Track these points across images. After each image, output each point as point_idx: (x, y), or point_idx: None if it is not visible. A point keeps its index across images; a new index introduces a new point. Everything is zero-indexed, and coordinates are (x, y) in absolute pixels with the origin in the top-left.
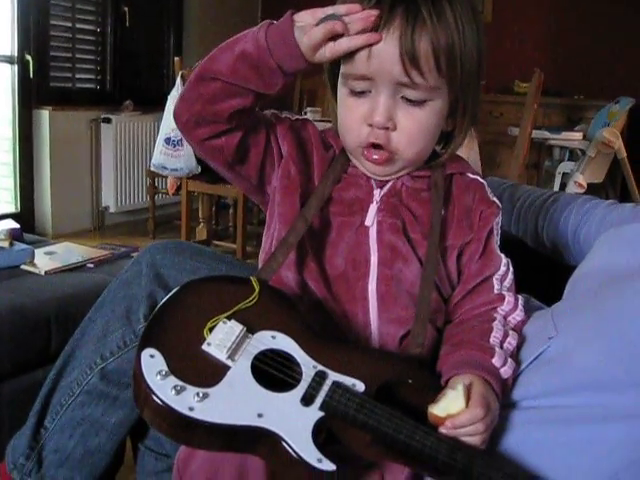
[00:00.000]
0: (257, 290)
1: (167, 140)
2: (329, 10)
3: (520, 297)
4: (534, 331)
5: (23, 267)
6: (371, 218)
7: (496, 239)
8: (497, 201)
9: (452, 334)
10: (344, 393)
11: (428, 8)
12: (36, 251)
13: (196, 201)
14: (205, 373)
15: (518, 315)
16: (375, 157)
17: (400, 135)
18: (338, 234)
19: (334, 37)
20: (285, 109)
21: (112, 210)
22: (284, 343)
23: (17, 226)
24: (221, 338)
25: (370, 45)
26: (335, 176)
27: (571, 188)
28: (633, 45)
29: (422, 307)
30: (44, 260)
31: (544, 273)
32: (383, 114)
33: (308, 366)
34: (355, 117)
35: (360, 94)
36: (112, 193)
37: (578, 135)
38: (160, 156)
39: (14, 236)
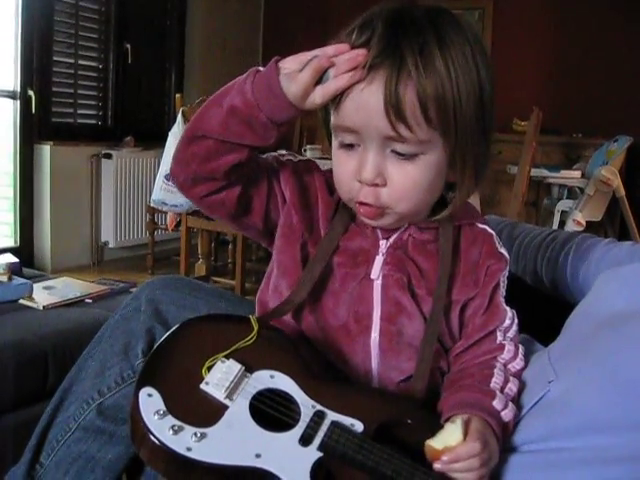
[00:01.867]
0: (256, 329)
1: (167, 176)
2: (315, 52)
3: (521, 347)
4: (533, 375)
5: (21, 301)
6: (377, 271)
7: (502, 292)
8: (505, 253)
9: (452, 380)
10: (343, 433)
11: (414, 57)
12: (35, 286)
13: (195, 237)
14: (203, 413)
15: (518, 364)
16: (365, 211)
17: (390, 191)
18: (342, 285)
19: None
20: (285, 147)
21: (111, 245)
22: (283, 382)
23: (16, 260)
24: (219, 377)
25: (354, 86)
26: (342, 225)
27: (570, 226)
28: (631, 84)
29: (423, 362)
30: (42, 295)
31: (544, 311)
32: (371, 171)
33: (307, 406)
34: (345, 172)
35: (350, 147)
36: (112, 228)
37: (577, 173)
38: (160, 192)
39: (13, 270)
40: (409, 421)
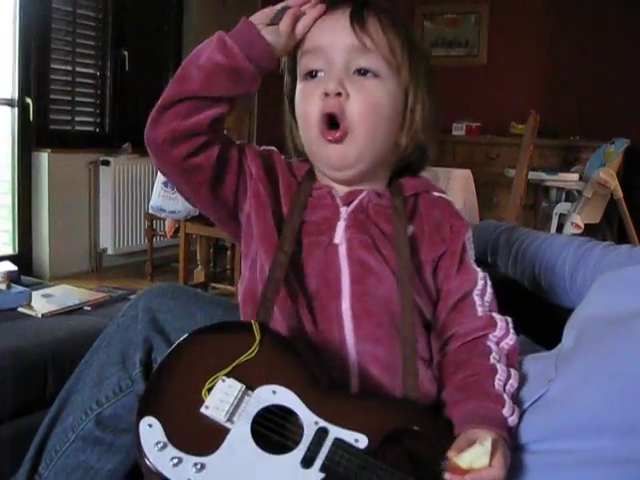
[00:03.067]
0: (257, 340)
1: (165, 183)
2: (278, 6)
3: (509, 319)
4: (535, 373)
5: (20, 310)
6: (340, 236)
7: (470, 254)
8: (464, 217)
9: (451, 372)
10: (344, 453)
11: (376, 7)
12: (33, 293)
13: (194, 243)
14: (204, 439)
15: (510, 339)
16: (331, 137)
17: (353, 104)
18: (308, 254)
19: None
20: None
21: (110, 252)
22: (285, 398)
23: (14, 268)
24: (219, 400)
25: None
26: (302, 201)
27: (568, 229)
28: (628, 86)
29: (406, 329)
30: (41, 303)
31: (541, 315)
32: (335, 80)
33: (309, 422)
34: (312, 97)
35: (315, 76)
36: (110, 235)
37: (574, 176)
38: (158, 199)
39: (11, 278)
40: (416, 428)
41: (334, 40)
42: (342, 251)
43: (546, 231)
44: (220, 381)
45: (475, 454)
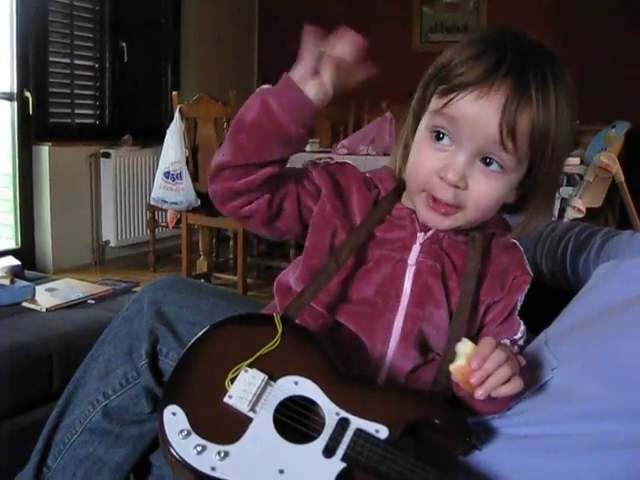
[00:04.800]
0: (280, 331)
1: (166, 174)
2: (319, 50)
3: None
4: (531, 360)
5: (24, 304)
6: (414, 257)
7: (519, 306)
8: (530, 271)
9: None
10: (365, 443)
11: (537, 86)
12: (37, 288)
13: (196, 234)
14: (227, 428)
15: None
16: (436, 207)
17: (468, 196)
18: (376, 266)
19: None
20: None
21: (112, 244)
22: (307, 389)
23: (18, 263)
24: (242, 390)
25: (477, 87)
26: (377, 218)
27: (570, 213)
28: (629, 69)
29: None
30: (45, 297)
31: (542, 300)
32: (459, 173)
33: (330, 413)
34: (428, 164)
35: (439, 139)
36: (112, 227)
37: (575, 160)
38: (160, 190)
39: (15, 273)
40: (436, 421)
41: (477, 127)
42: (410, 271)
43: None
44: (243, 371)
45: (459, 350)
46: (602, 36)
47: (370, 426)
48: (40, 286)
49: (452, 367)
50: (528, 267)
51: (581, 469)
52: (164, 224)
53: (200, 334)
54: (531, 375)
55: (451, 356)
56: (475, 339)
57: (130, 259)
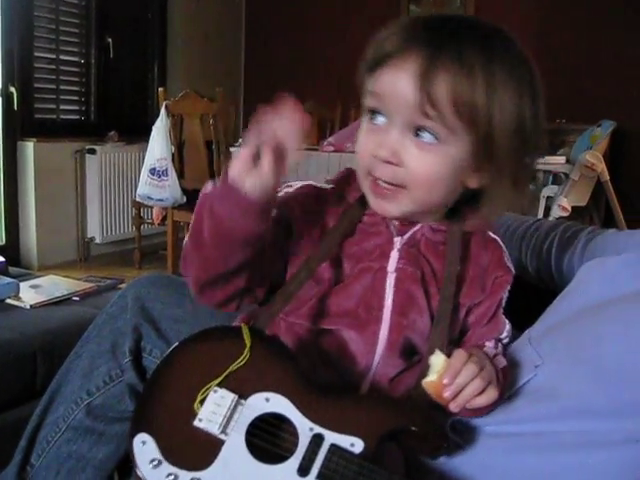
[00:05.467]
0: (248, 346)
1: (152, 170)
2: (254, 140)
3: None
4: (515, 358)
5: (8, 301)
6: (393, 264)
7: (503, 304)
8: (512, 268)
9: None
10: (340, 460)
11: (457, 56)
12: (21, 285)
13: (182, 231)
14: (199, 453)
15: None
16: (379, 191)
17: (406, 172)
18: (356, 278)
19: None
20: None
21: (98, 241)
22: (279, 405)
23: (2, 260)
24: (212, 412)
25: (390, 58)
26: (346, 227)
27: (555, 212)
28: (614, 69)
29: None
30: (29, 294)
31: (528, 298)
32: (387, 148)
33: (304, 429)
34: (365, 146)
35: (375, 120)
36: (97, 224)
37: (561, 159)
38: (145, 186)
39: None
40: (412, 428)
41: (397, 97)
42: (391, 280)
43: (533, 214)
44: (212, 392)
45: (432, 364)
46: (588, 35)
47: (345, 440)
48: (24, 283)
49: (424, 382)
50: (509, 264)
51: (566, 468)
52: (150, 221)
53: (167, 354)
54: (514, 373)
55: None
56: (460, 342)
57: (115, 256)
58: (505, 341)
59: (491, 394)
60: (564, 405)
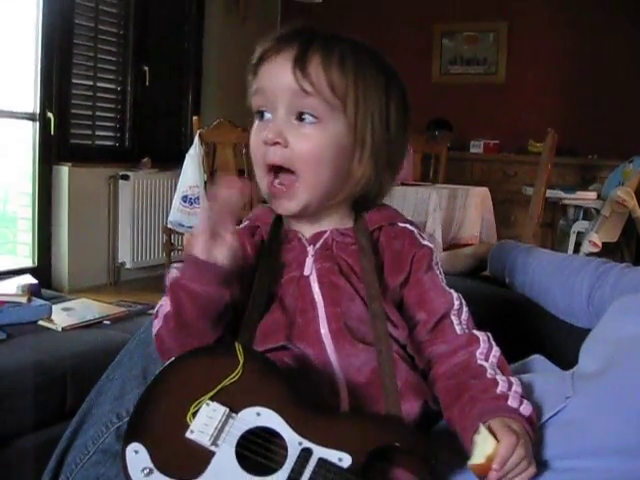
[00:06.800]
0: (241, 362)
1: (184, 198)
2: (204, 221)
3: (489, 334)
4: (549, 387)
5: (40, 323)
6: (309, 268)
7: (441, 277)
8: (429, 244)
9: (449, 390)
10: (327, 473)
11: (325, 44)
12: (53, 307)
13: None
14: (189, 464)
15: (496, 352)
16: (277, 187)
17: (292, 153)
18: (285, 290)
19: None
20: None
21: (128, 266)
22: (269, 419)
23: (35, 282)
24: (203, 424)
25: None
26: (270, 249)
27: (586, 247)
28: None
29: (381, 343)
30: (61, 316)
31: (559, 336)
32: (273, 129)
33: (293, 443)
34: (256, 141)
35: (262, 116)
36: (129, 249)
37: (592, 194)
38: (177, 213)
39: (32, 292)
40: (398, 444)
41: (276, 84)
42: (313, 280)
43: (564, 249)
44: (205, 405)
45: (479, 444)
46: (621, 72)
47: (333, 455)
48: (56, 305)
49: (471, 464)
50: (424, 242)
51: None
52: (180, 247)
53: (162, 367)
54: (544, 402)
55: (385, 354)
56: (416, 326)
57: (145, 281)
58: (464, 314)
59: (530, 472)
60: (600, 442)
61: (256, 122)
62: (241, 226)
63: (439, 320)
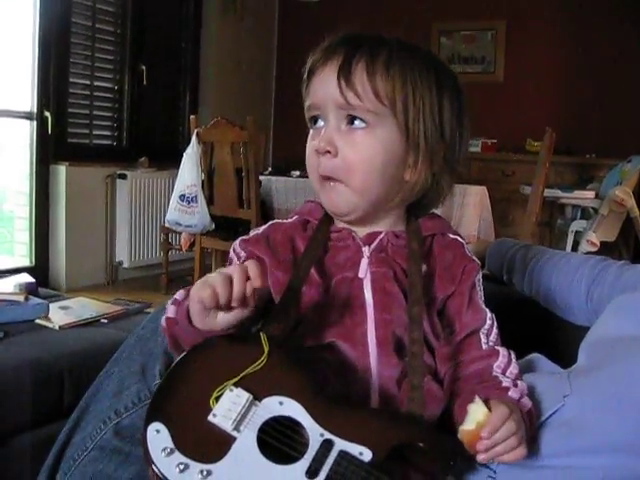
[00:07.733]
0: (266, 351)
1: (182, 197)
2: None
3: (512, 351)
4: (548, 386)
5: (38, 321)
6: (364, 270)
7: (480, 294)
8: (477, 260)
9: (461, 388)
10: (349, 465)
11: (370, 51)
12: (51, 305)
13: (209, 257)
14: (211, 447)
15: (514, 368)
16: (327, 194)
17: (342, 161)
18: (336, 291)
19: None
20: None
21: (126, 265)
22: (292, 409)
23: (32, 280)
24: (227, 408)
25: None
26: (315, 247)
27: (584, 246)
28: None
29: (414, 360)
30: (59, 315)
31: (557, 333)
32: (325, 138)
33: (315, 434)
34: (310, 148)
35: (316, 125)
36: (126, 248)
37: (590, 194)
38: (174, 212)
39: (29, 290)
40: (421, 444)
41: (324, 97)
42: (367, 283)
43: (562, 248)
44: (228, 390)
45: (472, 413)
46: (619, 71)
47: (354, 448)
48: (54, 304)
49: (461, 429)
50: (473, 256)
51: None
52: (178, 247)
53: (186, 352)
54: (542, 401)
55: (418, 360)
56: (450, 339)
57: (143, 280)
58: (493, 336)
59: (520, 453)
60: (597, 440)
61: (311, 131)
62: (291, 220)
63: (468, 335)
